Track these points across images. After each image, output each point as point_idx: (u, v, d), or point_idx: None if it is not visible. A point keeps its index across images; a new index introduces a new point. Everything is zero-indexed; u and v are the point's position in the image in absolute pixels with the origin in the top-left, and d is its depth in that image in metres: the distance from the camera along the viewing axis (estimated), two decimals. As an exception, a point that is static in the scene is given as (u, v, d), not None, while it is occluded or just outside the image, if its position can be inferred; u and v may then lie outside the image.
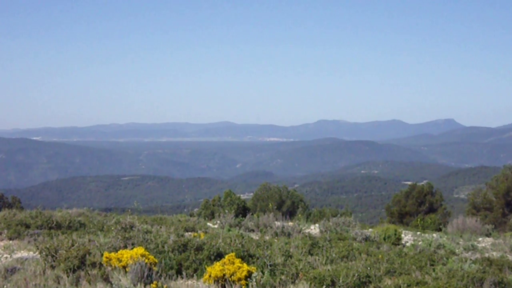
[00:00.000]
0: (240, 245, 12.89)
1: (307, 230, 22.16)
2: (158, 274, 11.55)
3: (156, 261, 11.88)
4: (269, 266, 11.73)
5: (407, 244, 18.84)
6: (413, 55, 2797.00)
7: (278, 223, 22.33)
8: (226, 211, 26.52)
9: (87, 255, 12.20)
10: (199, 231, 19.52)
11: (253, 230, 22.29)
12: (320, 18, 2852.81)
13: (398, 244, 18.41)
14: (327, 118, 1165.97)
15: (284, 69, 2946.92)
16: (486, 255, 16.63)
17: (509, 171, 41.89)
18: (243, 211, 38.02)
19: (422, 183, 49.46)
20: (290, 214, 41.26)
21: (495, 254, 17.14)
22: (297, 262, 12.22)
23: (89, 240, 15.24)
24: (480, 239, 22.09)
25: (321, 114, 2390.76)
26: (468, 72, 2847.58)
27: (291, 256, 13.26)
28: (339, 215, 29.48)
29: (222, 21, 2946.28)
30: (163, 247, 12.99)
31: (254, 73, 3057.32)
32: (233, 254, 11.49)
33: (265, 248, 13.74)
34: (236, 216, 25.50)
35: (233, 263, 11.12)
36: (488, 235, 23.88)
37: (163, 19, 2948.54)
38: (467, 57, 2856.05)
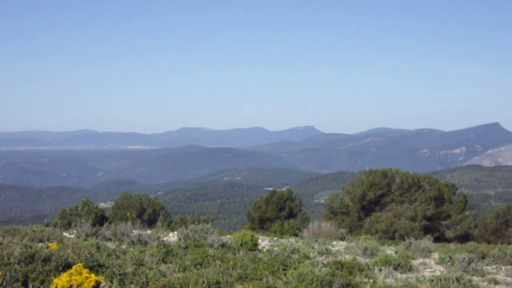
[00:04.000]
0: (89, 255, 12.49)
1: (165, 238, 21.92)
2: (2, 287, 11.02)
3: (1, 273, 11.33)
4: (118, 276, 11.42)
5: (264, 249, 18.96)
6: (273, 63, 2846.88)
7: (136, 232, 21.96)
8: (83, 220, 25.87)
9: None
10: (51, 242, 18.84)
11: (110, 239, 21.80)
12: (181, 24, 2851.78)
13: (255, 250, 18.47)
14: (190, 125, 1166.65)
15: (145, 76, 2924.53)
16: (339, 258, 16.97)
17: (364, 176, 43.20)
18: (101, 220, 37.24)
19: (283, 189, 50.15)
20: (152, 222, 40.87)
21: (347, 257, 17.54)
22: (148, 271, 11.98)
23: None
24: (334, 243, 22.58)
25: (184, 122, 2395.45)
26: (326, 79, 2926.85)
27: (143, 265, 13.01)
28: (197, 222, 29.36)
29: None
30: (8, 259, 12.41)
31: (115, 81, 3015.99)
32: (81, 264, 11.10)
33: (116, 257, 13.42)
34: (94, 225, 24.87)
35: (81, 273, 10.73)
36: (342, 239, 24.46)
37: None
38: (325, 66, 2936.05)
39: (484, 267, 17.49)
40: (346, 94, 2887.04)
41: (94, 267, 11.91)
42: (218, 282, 11.10)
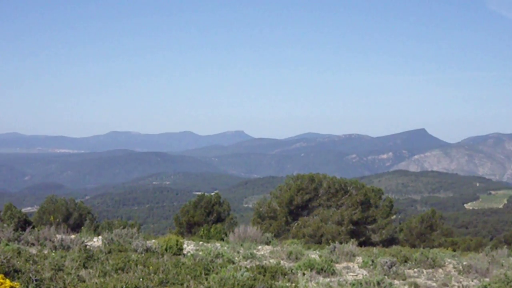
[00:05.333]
0: (5, 261, 12.16)
1: (90, 243, 21.55)
2: None
3: None
4: (34, 281, 11.16)
5: (189, 254, 18.83)
6: (203, 67, 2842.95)
7: (59, 236, 21.53)
8: (6, 225, 25.24)
9: None
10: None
11: (33, 244, 21.31)
12: (110, 27, 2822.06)
13: (179, 254, 18.33)
14: (119, 129, 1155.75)
15: (73, 79, 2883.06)
16: (263, 262, 16.98)
17: (292, 181, 43.47)
18: (24, 224, 36.43)
19: (212, 193, 50.13)
20: (78, 226, 40.23)
21: (272, 262, 17.55)
22: (66, 276, 11.74)
23: None
24: (260, 247, 22.57)
25: (113, 126, 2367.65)
26: (256, 84, 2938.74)
27: (62, 270, 12.74)
28: (123, 226, 28.99)
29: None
30: None
31: (43, 83, 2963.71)
32: (-5, 270, 10.82)
33: (34, 262, 13.11)
34: (16, 230, 24.29)
35: (-5, 279, 10.44)
36: (268, 243, 24.49)
37: None
38: (254, 70, 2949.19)
39: (406, 270, 17.74)
40: (276, 99, 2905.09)
41: (10, 273, 11.60)
42: (137, 287, 10.96)
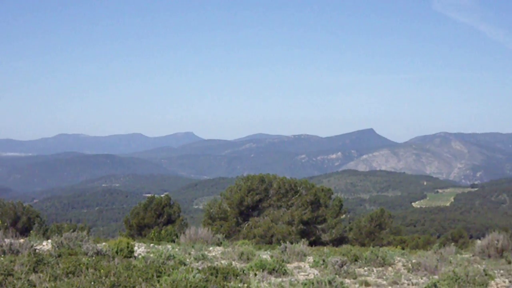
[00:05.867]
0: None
1: (39, 247, 21.30)
2: None
3: None
4: (-17, 287, 11.04)
5: (140, 256, 18.76)
6: (150, 69, 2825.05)
7: (7, 241, 21.24)
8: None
9: None
10: None
11: (-20, 250, 21.02)
12: (42, 27, 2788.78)
13: (130, 257, 18.25)
14: (67, 132, 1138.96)
15: (19, 79, 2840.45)
16: (215, 264, 17.02)
17: (242, 181, 43.53)
18: (-30, 229, 35.84)
19: (162, 195, 49.94)
20: (26, 230, 39.68)
21: (223, 263, 17.60)
22: (16, 281, 11.61)
23: None
24: (211, 248, 22.62)
25: (61, 128, 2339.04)
26: (205, 85, 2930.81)
27: (12, 275, 12.59)
28: (73, 229, 28.69)
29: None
30: None
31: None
32: None
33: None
34: (-38, 235, 23.88)
35: None
36: (219, 244, 24.55)
37: None
38: (202, 71, 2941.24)
39: (356, 269, 17.96)
40: (225, 100, 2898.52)
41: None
42: (88, 291, 10.91)
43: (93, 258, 16.73)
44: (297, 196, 42.49)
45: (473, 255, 23.50)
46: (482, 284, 14.90)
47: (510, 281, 16.51)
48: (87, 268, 13.85)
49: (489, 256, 22.42)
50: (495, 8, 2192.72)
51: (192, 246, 22.00)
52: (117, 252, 18.36)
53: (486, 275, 16.04)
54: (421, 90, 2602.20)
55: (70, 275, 13.24)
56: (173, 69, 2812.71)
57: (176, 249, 21.16)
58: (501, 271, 18.41)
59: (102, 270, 13.40)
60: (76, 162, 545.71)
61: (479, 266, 19.08)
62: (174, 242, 27.88)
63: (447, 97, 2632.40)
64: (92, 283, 11.65)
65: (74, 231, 23.40)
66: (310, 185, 44.19)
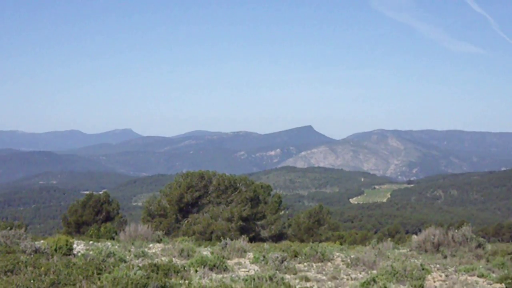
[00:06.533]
0: None
1: (-26, 246, 20.93)
2: None
3: None
4: None
5: (79, 254, 18.61)
6: (89, 64, 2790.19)
7: None
8: None
9: None
10: None
11: None
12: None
13: (70, 255, 18.08)
14: (3, 128, 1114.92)
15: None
16: (155, 260, 16.98)
17: (181, 178, 43.44)
18: None
19: (100, 192, 49.52)
20: (-40, 229, 38.91)
21: (164, 259, 17.56)
22: (-47, 280, 11.43)
23: None
24: (151, 245, 22.54)
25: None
26: (142, 82, 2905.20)
27: None
28: (9, 228, 28.24)
29: None
30: None
31: None
32: None
33: None
34: None
35: None
36: (159, 241, 24.48)
37: None
38: (140, 68, 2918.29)
39: (296, 265, 18.14)
40: (163, 97, 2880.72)
41: None
42: (28, 289, 10.80)
43: (32, 256, 16.53)
44: (236, 192, 42.63)
45: (410, 250, 23.94)
46: (419, 278, 15.22)
47: (446, 275, 16.89)
48: (26, 266, 13.69)
49: (426, 251, 22.86)
50: (431, 8, 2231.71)
51: (132, 243, 21.90)
52: (56, 250, 18.15)
53: (423, 269, 16.37)
54: (359, 87, 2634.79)
55: (8, 274, 13.07)
56: (111, 65, 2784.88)
57: (116, 246, 21.03)
58: (438, 265, 18.86)
59: (41, 268, 13.27)
60: (12, 159, 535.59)
61: (416, 260, 19.45)
62: (113, 239, 27.70)
63: (384, 95, 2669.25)
64: (32, 281, 11.53)
65: (11, 229, 23.07)
66: (249, 182, 44.40)
